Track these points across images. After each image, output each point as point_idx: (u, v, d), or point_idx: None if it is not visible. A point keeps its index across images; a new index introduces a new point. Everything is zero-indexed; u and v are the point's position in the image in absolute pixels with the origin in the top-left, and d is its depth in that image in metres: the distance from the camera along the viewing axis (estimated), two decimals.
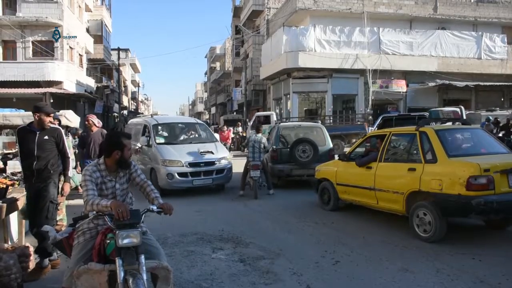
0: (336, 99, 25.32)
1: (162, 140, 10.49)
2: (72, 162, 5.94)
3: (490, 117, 16.39)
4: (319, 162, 9.27)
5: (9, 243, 5.14)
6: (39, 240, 4.68)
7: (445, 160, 5.62)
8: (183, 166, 9.45)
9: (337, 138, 18.47)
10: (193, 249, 5.67)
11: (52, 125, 4.96)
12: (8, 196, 5.01)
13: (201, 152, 9.83)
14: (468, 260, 5.05)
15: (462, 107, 17.78)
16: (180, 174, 9.41)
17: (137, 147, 10.30)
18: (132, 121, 13.78)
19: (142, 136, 10.62)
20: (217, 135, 14.75)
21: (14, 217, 5.47)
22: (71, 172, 5.36)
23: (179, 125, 11.85)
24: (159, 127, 11.00)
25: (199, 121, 12.85)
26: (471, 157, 5.66)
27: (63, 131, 5.26)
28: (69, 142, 6.90)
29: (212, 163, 9.83)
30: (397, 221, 6.58)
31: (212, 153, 10.00)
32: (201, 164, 9.64)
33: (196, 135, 11.46)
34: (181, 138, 11.06)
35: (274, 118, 23.30)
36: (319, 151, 10.19)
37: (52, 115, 4.96)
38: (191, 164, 9.54)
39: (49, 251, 4.67)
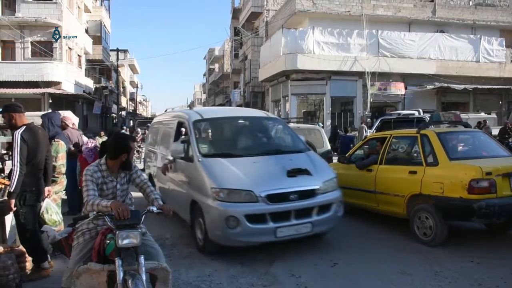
0: (335, 101, 25.32)
1: (211, 150, 6.14)
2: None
3: (487, 120, 16.46)
4: None
5: (8, 243, 5.10)
6: (28, 249, 4.57)
7: (447, 163, 5.60)
8: (257, 201, 5.03)
9: None
10: (192, 250, 5.65)
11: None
12: (6, 197, 4.96)
13: (288, 172, 5.38)
14: (466, 263, 5.05)
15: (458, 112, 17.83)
16: (252, 218, 4.98)
17: (167, 161, 6.64)
18: (159, 118, 9.38)
19: (176, 142, 6.47)
20: None
21: (12, 218, 5.42)
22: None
23: (239, 122, 7.10)
24: (205, 126, 6.84)
25: (271, 115, 8.25)
26: (473, 160, 5.64)
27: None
28: (57, 146, 5.85)
29: (311, 193, 5.33)
30: (397, 224, 6.56)
31: (308, 172, 5.52)
32: (292, 197, 5.16)
33: (271, 140, 6.96)
34: (246, 145, 6.56)
35: None
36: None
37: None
38: (272, 197, 5.07)
39: (44, 255, 4.61)
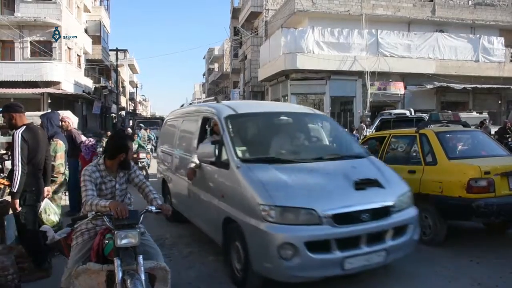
0: (334, 101, 25.31)
1: (252, 153, 4.87)
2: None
3: (486, 120, 16.44)
4: None
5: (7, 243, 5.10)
6: (27, 249, 4.56)
7: (446, 162, 5.61)
8: (320, 222, 3.92)
9: None
10: (191, 250, 5.65)
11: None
12: (5, 197, 4.97)
13: (356, 184, 4.29)
14: (465, 262, 5.06)
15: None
16: (314, 246, 3.87)
17: (193, 165, 5.35)
18: (175, 114, 7.75)
19: (204, 143, 5.14)
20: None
21: (11, 218, 5.42)
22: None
23: (282, 118, 5.88)
24: (241, 123, 5.42)
25: (317, 111, 6.76)
26: (472, 160, 5.65)
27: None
28: (56, 146, 5.81)
29: (385, 212, 4.23)
30: None
31: (379, 184, 4.43)
32: (363, 216, 4.08)
33: (323, 141, 5.89)
34: (294, 147, 5.38)
35: None
36: None
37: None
38: (340, 218, 3.97)
39: (43, 256, 4.60)
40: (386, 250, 4.13)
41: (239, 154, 4.65)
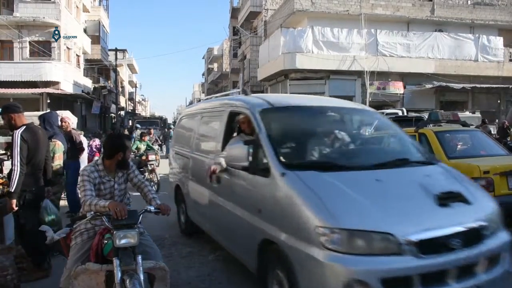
0: None
1: (298, 157, 4.04)
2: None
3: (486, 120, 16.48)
4: None
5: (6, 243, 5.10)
6: (27, 249, 4.56)
7: (445, 161, 5.60)
8: (400, 252, 2.90)
9: None
10: (191, 250, 5.65)
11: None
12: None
13: (439, 199, 3.30)
14: None
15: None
16: (394, 284, 2.84)
17: (218, 167, 4.50)
18: (192, 109, 6.93)
19: (234, 144, 4.21)
20: None
21: (10, 218, 5.42)
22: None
23: (329, 115, 4.89)
24: (280, 119, 4.49)
25: (366, 107, 5.94)
26: (471, 159, 5.66)
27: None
28: (54, 147, 5.76)
29: (477, 235, 3.22)
30: None
31: (464, 199, 3.43)
32: (454, 242, 3.02)
33: (383, 143, 4.91)
34: (351, 150, 4.50)
35: None
36: None
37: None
38: (425, 245, 2.93)
39: (43, 256, 4.60)
40: (478, 287, 3.13)
41: (283, 157, 3.69)
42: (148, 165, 10.48)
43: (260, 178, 3.74)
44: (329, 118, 4.80)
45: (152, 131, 12.85)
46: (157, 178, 10.44)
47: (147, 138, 11.50)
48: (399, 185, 3.52)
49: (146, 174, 10.35)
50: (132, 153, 10.46)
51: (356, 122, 5.02)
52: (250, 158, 3.86)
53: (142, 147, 10.97)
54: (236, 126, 4.92)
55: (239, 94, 6.75)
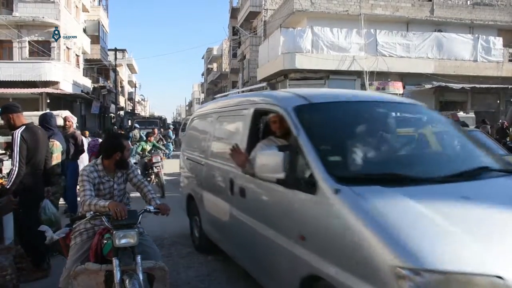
0: None
1: (354, 168, 3.06)
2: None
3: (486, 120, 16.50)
4: None
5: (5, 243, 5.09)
6: (26, 249, 4.54)
7: None
8: None
9: None
10: (190, 250, 5.65)
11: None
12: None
13: None
14: None
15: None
16: None
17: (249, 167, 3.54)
18: (207, 108, 5.98)
19: (264, 150, 3.23)
20: None
21: (10, 218, 5.42)
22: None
23: (380, 112, 3.89)
24: (322, 118, 3.50)
25: (413, 101, 4.47)
26: None
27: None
28: (52, 147, 5.70)
29: None
30: None
31: None
32: None
33: (447, 146, 3.95)
34: (414, 157, 3.64)
35: None
36: None
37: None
38: None
39: (42, 256, 4.59)
40: None
41: (333, 168, 2.84)
42: (154, 167, 9.99)
43: (303, 194, 2.90)
44: (382, 116, 3.82)
45: (155, 130, 12.54)
46: (161, 182, 9.98)
47: (152, 138, 11.05)
48: (494, 204, 2.63)
49: (153, 177, 9.96)
50: (138, 155, 10.37)
51: (414, 121, 4.10)
52: (287, 169, 2.96)
53: (148, 148, 10.56)
54: (261, 127, 4.17)
55: (263, 89, 5.24)
